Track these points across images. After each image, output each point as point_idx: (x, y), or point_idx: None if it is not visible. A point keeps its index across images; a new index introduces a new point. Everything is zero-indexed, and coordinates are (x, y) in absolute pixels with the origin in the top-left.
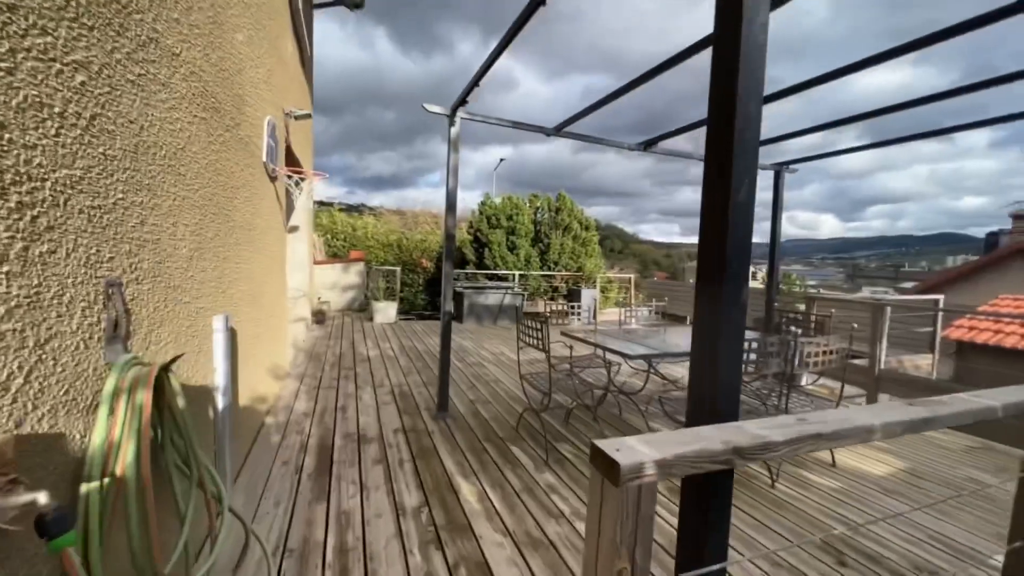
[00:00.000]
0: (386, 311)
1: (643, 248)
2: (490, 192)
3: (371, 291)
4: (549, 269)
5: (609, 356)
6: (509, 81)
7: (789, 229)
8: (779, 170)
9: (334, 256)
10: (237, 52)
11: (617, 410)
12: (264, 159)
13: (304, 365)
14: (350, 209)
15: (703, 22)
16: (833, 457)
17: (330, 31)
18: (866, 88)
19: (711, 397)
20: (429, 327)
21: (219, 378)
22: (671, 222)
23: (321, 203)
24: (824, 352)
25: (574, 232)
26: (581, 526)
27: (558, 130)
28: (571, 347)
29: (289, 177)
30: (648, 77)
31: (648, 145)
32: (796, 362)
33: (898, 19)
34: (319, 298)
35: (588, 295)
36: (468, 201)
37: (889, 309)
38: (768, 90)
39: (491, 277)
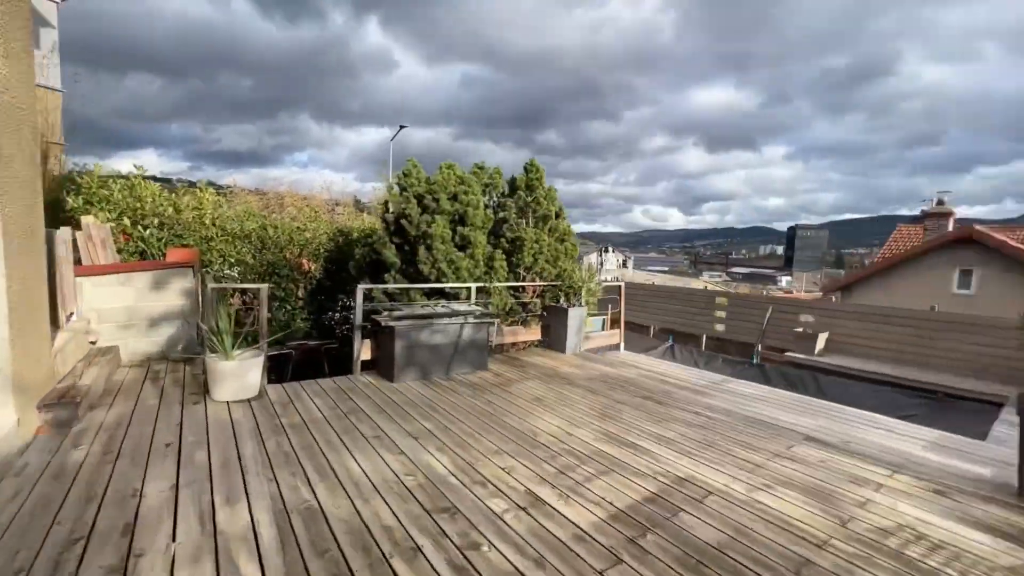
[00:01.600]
0: (240, 376)
1: None
2: (386, 175)
3: (208, 327)
4: (516, 278)
5: None
6: (388, 61)
7: (644, 221)
8: None
9: (142, 257)
10: None
11: None
12: None
13: None
14: (190, 187)
15: (573, 28)
16: None
17: None
18: (701, 103)
19: None
20: (337, 406)
21: None
22: None
23: (116, 177)
24: None
25: (551, 223)
26: None
27: None
28: None
29: None
30: None
31: None
32: None
33: (723, 46)
34: (93, 342)
35: (576, 316)
36: (341, 186)
37: None
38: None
39: (432, 294)
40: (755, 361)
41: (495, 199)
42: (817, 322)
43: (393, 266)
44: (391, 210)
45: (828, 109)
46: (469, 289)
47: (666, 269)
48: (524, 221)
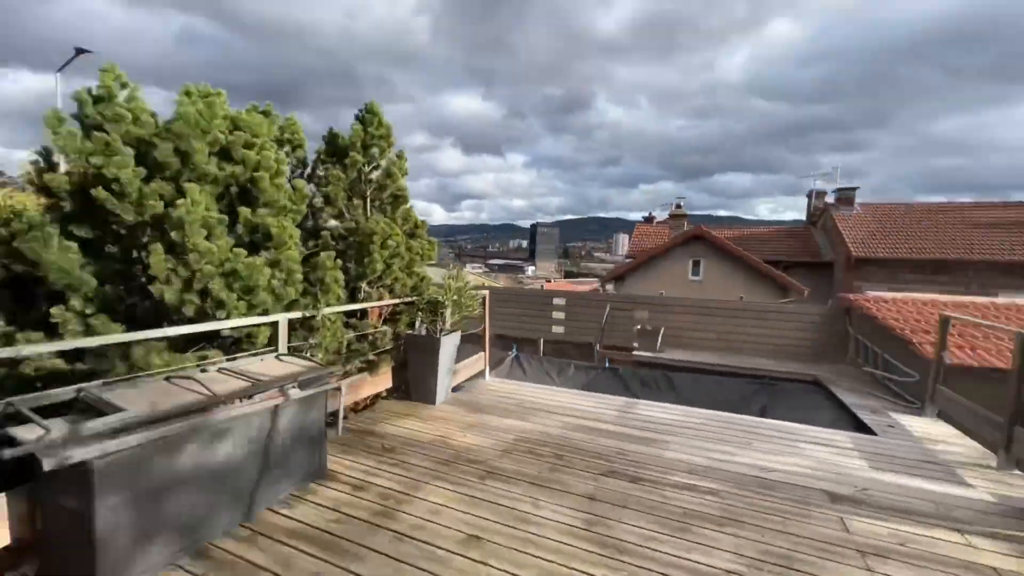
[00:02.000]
0: None
1: None
2: (37, 142)
3: None
4: (352, 296)
5: None
6: None
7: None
8: None
9: None
10: None
11: None
12: None
13: None
14: None
15: (326, 7)
16: None
17: None
18: (456, 107)
19: None
20: None
21: None
22: None
23: None
24: None
25: (402, 208)
26: None
27: None
28: None
29: None
30: None
31: None
32: None
33: (471, 59)
34: None
35: (449, 347)
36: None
37: None
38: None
39: (189, 343)
40: (607, 364)
41: (294, 164)
42: (651, 318)
43: (75, 288)
44: (65, 166)
45: (551, 129)
46: (275, 324)
47: (434, 262)
48: (361, 204)
